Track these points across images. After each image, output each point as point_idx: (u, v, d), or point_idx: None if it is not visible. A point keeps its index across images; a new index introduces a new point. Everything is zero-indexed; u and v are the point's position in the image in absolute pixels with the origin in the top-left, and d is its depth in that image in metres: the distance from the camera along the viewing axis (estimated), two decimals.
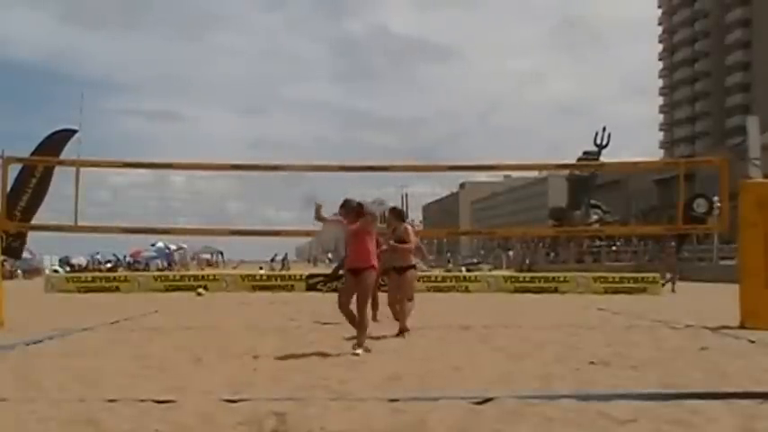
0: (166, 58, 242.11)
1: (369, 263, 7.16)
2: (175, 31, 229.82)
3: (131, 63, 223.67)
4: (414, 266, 8.92)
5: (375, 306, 11.05)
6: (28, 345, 7.63)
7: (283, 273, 32.00)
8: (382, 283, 10.38)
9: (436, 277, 23.44)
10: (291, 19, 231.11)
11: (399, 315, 8.73)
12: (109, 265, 45.00)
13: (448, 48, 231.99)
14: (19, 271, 36.63)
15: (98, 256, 48.55)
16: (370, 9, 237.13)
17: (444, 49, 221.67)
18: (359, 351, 6.95)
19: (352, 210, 7.29)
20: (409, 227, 9.19)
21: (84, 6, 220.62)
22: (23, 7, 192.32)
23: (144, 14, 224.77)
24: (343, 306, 7.25)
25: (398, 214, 9.42)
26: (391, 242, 8.75)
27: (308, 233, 11.95)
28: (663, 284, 21.51)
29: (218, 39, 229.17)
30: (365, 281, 7.15)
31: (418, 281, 11.37)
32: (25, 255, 39.27)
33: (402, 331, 8.56)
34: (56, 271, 39.15)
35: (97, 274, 31.22)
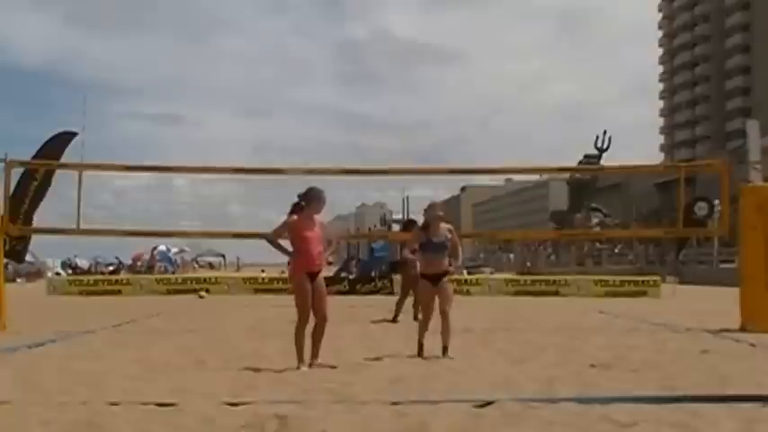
0: (170, 61, 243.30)
1: (323, 263, 6.73)
2: (179, 35, 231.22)
3: (135, 66, 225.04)
4: None
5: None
6: (30, 347, 7.65)
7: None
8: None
9: None
10: (295, 23, 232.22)
11: (445, 332, 7.20)
12: (111, 269, 44.92)
13: (450, 51, 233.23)
14: (12, 272, 35.61)
15: (76, 259, 47.69)
16: (373, 13, 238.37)
17: (446, 53, 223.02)
18: (319, 361, 6.50)
19: (318, 200, 6.46)
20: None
21: (87, 9, 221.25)
22: (27, 10, 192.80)
23: (148, 18, 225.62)
24: (307, 319, 6.54)
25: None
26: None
27: None
28: None
29: (222, 42, 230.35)
30: (322, 283, 6.66)
31: None
32: (27, 257, 39.02)
33: (446, 349, 7.14)
34: (58, 274, 39.11)
35: (99, 277, 31.22)
